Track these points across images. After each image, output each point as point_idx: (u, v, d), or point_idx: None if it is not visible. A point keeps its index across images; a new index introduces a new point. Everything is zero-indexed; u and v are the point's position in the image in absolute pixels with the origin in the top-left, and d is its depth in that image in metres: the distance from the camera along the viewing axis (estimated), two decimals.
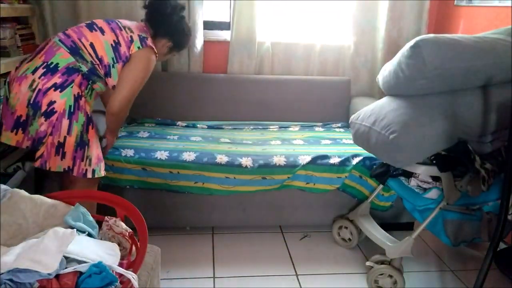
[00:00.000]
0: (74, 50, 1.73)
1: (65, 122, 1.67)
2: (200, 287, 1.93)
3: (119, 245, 1.30)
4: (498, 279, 2.05)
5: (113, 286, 1.07)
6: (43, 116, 1.65)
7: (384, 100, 1.89)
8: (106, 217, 1.38)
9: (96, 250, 1.20)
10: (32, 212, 1.33)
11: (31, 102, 1.65)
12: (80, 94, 1.72)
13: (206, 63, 2.90)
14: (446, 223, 1.86)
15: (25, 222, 1.30)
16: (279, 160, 2.18)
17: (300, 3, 2.80)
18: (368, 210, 2.19)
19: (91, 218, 1.37)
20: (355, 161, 2.20)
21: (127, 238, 1.33)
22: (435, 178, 1.82)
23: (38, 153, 1.69)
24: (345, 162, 2.20)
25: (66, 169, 1.71)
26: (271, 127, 2.79)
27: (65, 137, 1.68)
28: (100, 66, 1.77)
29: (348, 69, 2.97)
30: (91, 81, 1.77)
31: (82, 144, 1.72)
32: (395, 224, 2.36)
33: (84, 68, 1.74)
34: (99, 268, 1.09)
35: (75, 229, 1.25)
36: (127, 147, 2.19)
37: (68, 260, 1.14)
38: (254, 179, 2.16)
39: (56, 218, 1.34)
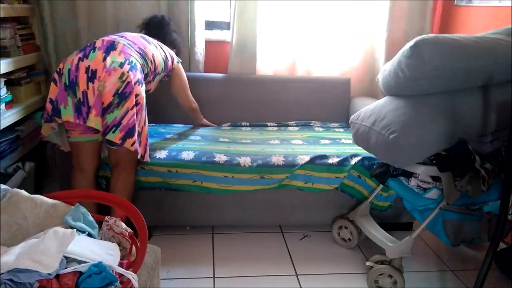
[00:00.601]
0: (142, 56, 2.03)
1: (144, 114, 1.96)
2: (200, 287, 1.93)
3: (119, 245, 1.30)
4: (498, 279, 2.05)
5: (113, 286, 1.07)
6: (134, 106, 1.87)
7: (384, 100, 1.89)
8: (106, 217, 1.38)
9: (96, 250, 1.20)
10: (32, 212, 1.33)
11: (119, 92, 1.83)
12: (146, 91, 2.06)
13: (206, 63, 2.90)
14: (446, 223, 1.86)
15: (25, 222, 1.30)
16: (277, 159, 2.19)
17: (301, 3, 2.80)
18: (368, 210, 2.19)
19: (91, 218, 1.37)
20: (353, 161, 2.20)
21: (127, 238, 1.33)
22: (435, 178, 1.82)
23: (133, 139, 1.88)
24: (343, 162, 2.20)
25: (140, 156, 1.97)
26: (270, 127, 2.79)
27: (142, 127, 1.96)
28: (153, 72, 2.11)
29: (348, 69, 2.97)
30: (143, 81, 2.03)
31: (149, 134, 2.09)
32: (395, 224, 2.36)
33: (146, 71, 2.05)
34: (99, 268, 1.09)
35: (75, 229, 1.25)
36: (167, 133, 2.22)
37: (68, 260, 1.14)
38: (252, 178, 2.16)
39: (56, 218, 1.34)
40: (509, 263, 2.07)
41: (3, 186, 1.35)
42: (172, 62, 2.27)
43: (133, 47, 2.00)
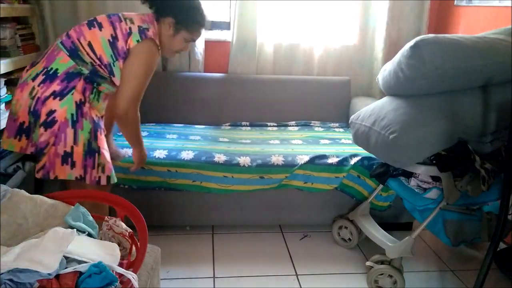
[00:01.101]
0: (73, 52, 1.63)
1: (70, 131, 1.59)
2: (200, 287, 1.93)
3: (119, 245, 1.30)
4: (498, 279, 2.05)
5: (113, 286, 1.07)
6: (42, 127, 1.58)
7: (384, 100, 1.89)
8: (106, 217, 1.38)
9: (96, 250, 1.20)
10: (32, 212, 1.32)
11: (31, 110, 1.59)
12: (83, 100, 1.62)
13: (206, 63, 2.90)
14: (446, 223, 1.86)
15: (25, 222, 1.30)
16: (277, 159, 2.19)
17: (301, 4, 2.80)
18: (368, 210, 2.19)
19: (91, 218, 1.37)
20: (353, 161, 2.20)
21: (127, 238, 1.33)
22: (435, 178, 1.82)
23: (40, 164, 1.61)
24: (343, 162, 2.20)
25: (78, 177, 1.64)
26: (270, 126, 2.79)
27: (72, 147, 1.60)
28: (102, 66, 1.65)
29: (348, 69, 2.97)
30: (95, 83, 1.66)
31: (91, 152, 1.64)
32: (395, 224, 2.36)
33: (85, 71, 1.63)
34: (99, 268, 1.09)
35: (75, 229, 1.25)
36: (125, 146, 2.19)
37: (68, 260, 1.14)
38: (252, 178, 2.16)
39: (56, 218, 1.34)
40: (509, 263, 2.06)
41: (3, 186, 1.35)
42: (126, 42, 1.64)
43: (64, 45, 1.64)
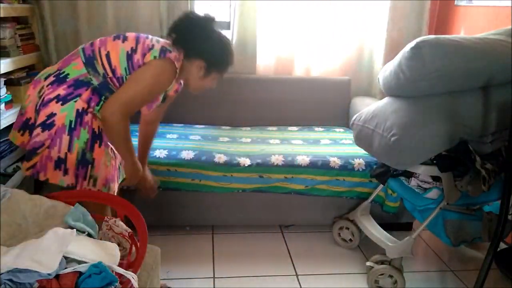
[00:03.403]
0: (89, 61, 1.58)
1: (65, 138, 1.55)
2: (200, 287, 1.92)
3: (119, 245, 1.30)
4: (498, 279, 2.05)
5: (113, 286, 1.07)
6: (40, 127, 1.55)
7: (385, 101, 1.89)
8: (106, 217, 1.38)
9: (96, 250, 1.20)
10: (32, 212, 1.32)
11: (37, 108, 1.59)
12: (85, 109, 1.57)
13: None
14: (446, 223, 1.86)
15: (25, 222, 1.30)
16: (277, 159, 2.19)
17: (301, 4, 2.80)
18: (368, 210, 2.19)
19: (91, 218, 1.37)
20: (357, 166, 2.20)
21: (127, 238, 1.33)
22: (436, 178, 1.82)
23: (30, 163, 1.57)
24: (345, 165, 2.20)
25: (70, 185, 1.59)
26: (270, 127, 2.79)
27: (65, 153, 1.56)
28: (114, 79, 1.59)
29: (348, 69, 2.97)
30: (103, 96, 1.60)
31: (84, 162, 1.58)
32: (395, 224, 2.36)
33: (95, 82, 1.58)
34: (99, 268, 1.09)
35: (75, 229, 1.25)
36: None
37: (68, 260, 1.14)
38: (251, 177, 2.16)
39: (56, 218, 1.33)
40: (509, 263, 2.06)
41: (3, 186, 1.35)
42: (144, 56, 1.57)
43: (84, 52, 1.61)
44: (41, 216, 1.33)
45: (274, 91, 2.82)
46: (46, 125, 1.56)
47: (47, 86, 1.58)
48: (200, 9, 2.72)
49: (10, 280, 1.04)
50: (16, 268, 1.06)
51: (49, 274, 1.07)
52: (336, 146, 2.43)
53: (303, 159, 2.20)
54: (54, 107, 1.55)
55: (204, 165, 2.14)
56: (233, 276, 2.01)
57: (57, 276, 1.08)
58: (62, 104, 1.55)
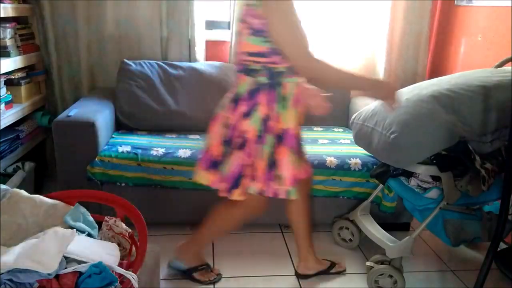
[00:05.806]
0: (243, 68, 1.57)
1: (256, 147, 1.57)
2: (200, 287, 1.92)
3: (119, 245, 1.30)
4: (498, 279, 2.05)
5: (113, 286, 1.07)
6: (237, 149, 1.59)
7: None
8: (106, 217, 1.38)
9: (96, 250, 1.20)
10: (32, 212, 1.32)
11: (225, 139, 1.60)
12: (268, 115, 1.56)
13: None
14: (446, 223, 1.86)
15: (25, 222, 1.30)
16: None
17: (300, 4, 2.79)
18: (368, 210, 2.18)
19: (91, 218, 1.37)
20: (353, 166, 2.20)
21: (127, 238, 1.33)
22: (435, 178, 1.82)
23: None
24: (342, 165, 2.20)
25: (260, 192, 1.63)
26: None
27: (255, 161, 1.59)
28: (267, 58, 1.50)
29: (348, 69, 2.96)
30: (276, 86, 1.55)
31: (272, 164, 1.60)
32: (395, 224, 2.36)
33: (263, 79, 1.53)
34: (99, 268, 1.09)
35: (75, 229, 1.25)
36: (124, 144, 2.20)
37: (68, 260, 1.14)
38: None
39: (56, 218, 1.34)
40: (509, 263, 2.06)
41: (3, 186, 1.35)
42: (254, 16, 1.46)
43: (238, 68, 1.61)
44: (41, 216, 1.33)
45: None
46: (241, 145, 1.59)
47: (229, 113, 1.61)
48: (200, 9, 2.71)
49: (10, 280, 1.04)
50: (16, 268, 1.06)
51: (49, 274, 1.07)
52: (334, 145, 2.42)
53: None
54: (243, 124, 1.57)
55: None
56: (233, 276, 2.01)
57: (57, 276, 1.08)
58: (249, 118, 1.57)
